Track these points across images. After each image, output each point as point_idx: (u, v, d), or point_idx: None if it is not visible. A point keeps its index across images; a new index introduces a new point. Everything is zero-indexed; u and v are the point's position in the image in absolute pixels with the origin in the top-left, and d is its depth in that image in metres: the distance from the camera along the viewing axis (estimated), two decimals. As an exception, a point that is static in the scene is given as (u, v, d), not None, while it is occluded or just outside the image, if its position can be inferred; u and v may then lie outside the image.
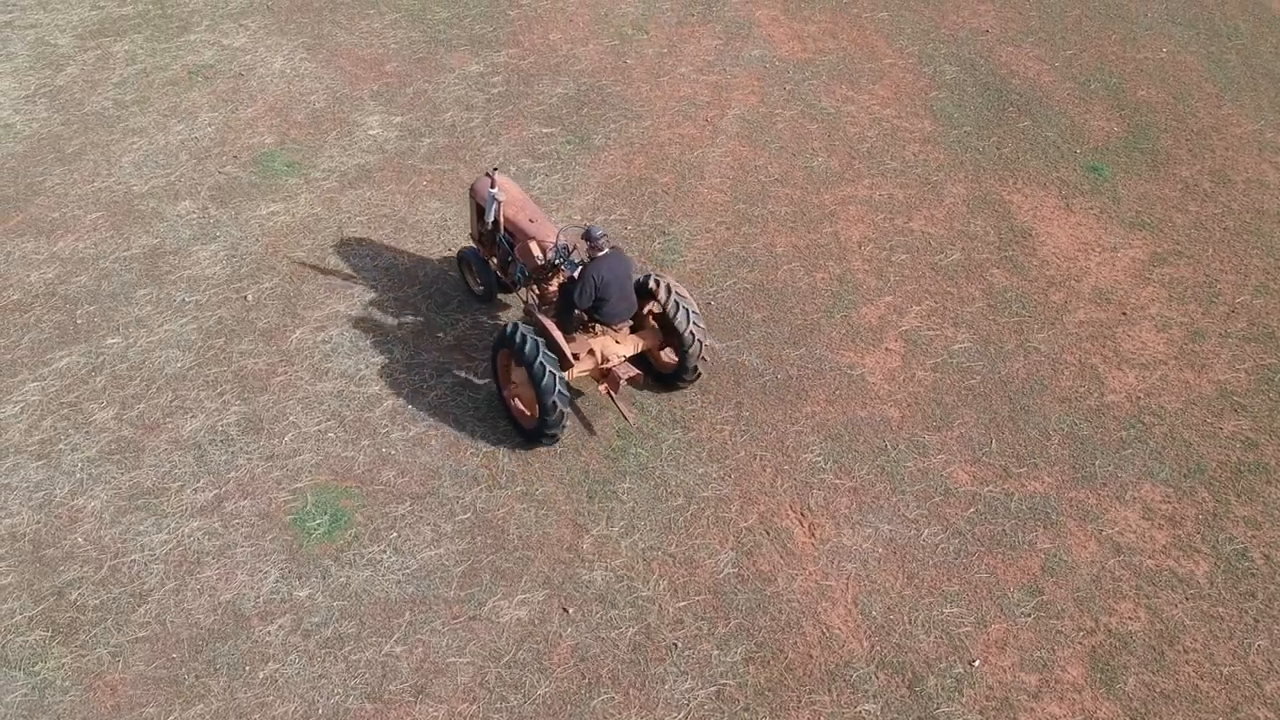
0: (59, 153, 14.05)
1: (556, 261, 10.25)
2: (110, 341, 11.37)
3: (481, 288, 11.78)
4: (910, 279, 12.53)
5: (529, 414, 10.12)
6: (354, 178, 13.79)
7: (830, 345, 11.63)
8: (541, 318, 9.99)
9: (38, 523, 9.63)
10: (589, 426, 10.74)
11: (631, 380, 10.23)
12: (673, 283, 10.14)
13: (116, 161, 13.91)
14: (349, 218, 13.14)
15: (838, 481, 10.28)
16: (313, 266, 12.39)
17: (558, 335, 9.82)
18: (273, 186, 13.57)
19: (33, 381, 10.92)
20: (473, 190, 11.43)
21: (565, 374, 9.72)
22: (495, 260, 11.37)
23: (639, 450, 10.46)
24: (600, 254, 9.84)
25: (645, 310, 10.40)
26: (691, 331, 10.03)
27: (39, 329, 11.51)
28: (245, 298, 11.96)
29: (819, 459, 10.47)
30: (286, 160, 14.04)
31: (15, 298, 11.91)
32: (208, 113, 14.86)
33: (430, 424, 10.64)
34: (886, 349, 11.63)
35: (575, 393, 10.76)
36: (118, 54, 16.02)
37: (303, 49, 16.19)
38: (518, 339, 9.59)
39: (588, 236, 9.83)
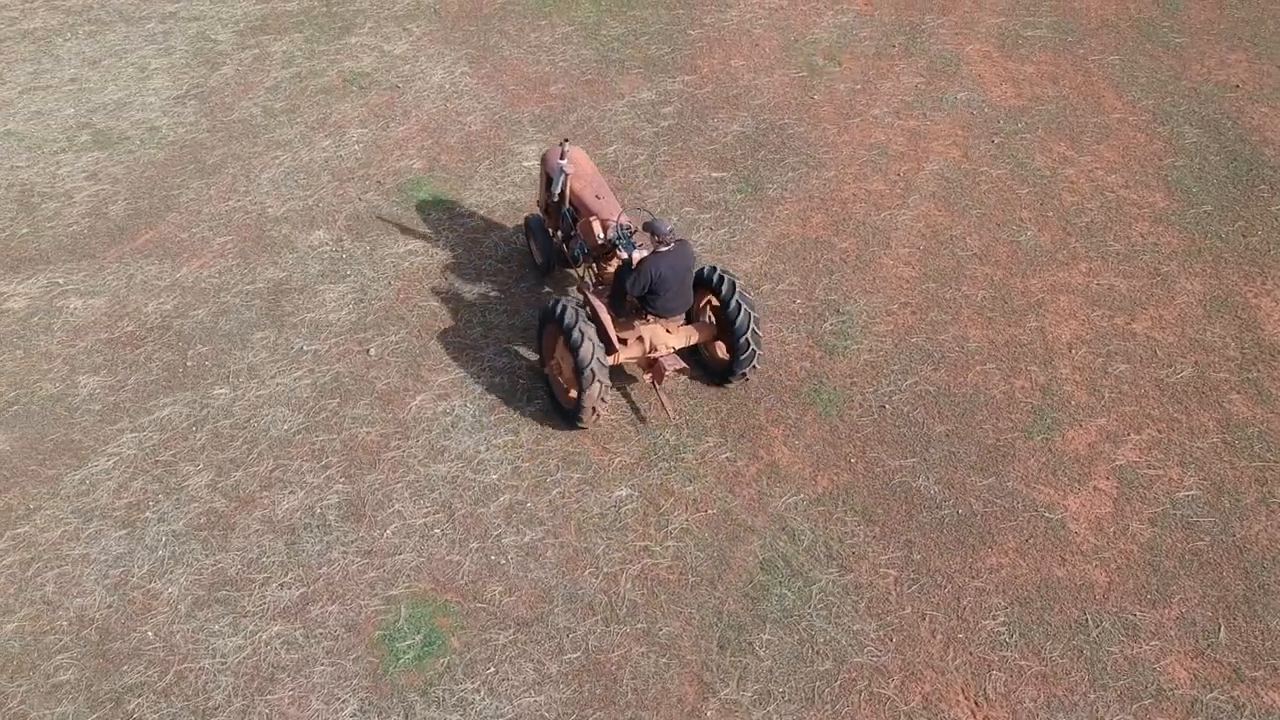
0: (199, 163, 13.21)
1: (616, 242, 10.01)
2: (218, 392, 10.37)
3: (542, 259, 11.44)
4: (1129, 397, 10.51)
5: (569, 392, 9.82)
6: (500, 216, 12.52)
7: (1026, 476, 9.76)
8: (592, 297, 9.88)
9: (109, 606, 8.66)
10: (640, 416, 10.21)
11: (679, 372, 9.90)
12: (738, 281, 9.85)
13: (256, 178, 12.98)
14: (489, 264, 11.86)
15: (1024, 662, 8.46)
16: (443, 322, 11.15)
17: (605, 317, 9.70)
18: (414, 220, 12.42)
19: (131, 432, 10.00)
20: (544, 159, 11.24)
21: (610, 358, 9.59)
22: (560, 234, 11.12)
23: (784, 591, 8.85)
24: (665, 248, 9.49)
25: (703, 303, 10.24)
26: (748, 339, 9.77)
27: (147, 369, 10.60)
28: (368, 352, 10.81)
29: (1002, 628, 8.66)
30: (433, 190, 12.86)
31: (129, 329, 11.05)
32: (357, 128, 13.82)
33: (548, 529, 9.27)
34: (1095, 488, 9.68)
35: (626, 379, 10.38)
36: (275, 54, 15.15)
37: (465, 61, 15.02)
38: (560, 312, 9.45)
39: (652, 229, 9.47)
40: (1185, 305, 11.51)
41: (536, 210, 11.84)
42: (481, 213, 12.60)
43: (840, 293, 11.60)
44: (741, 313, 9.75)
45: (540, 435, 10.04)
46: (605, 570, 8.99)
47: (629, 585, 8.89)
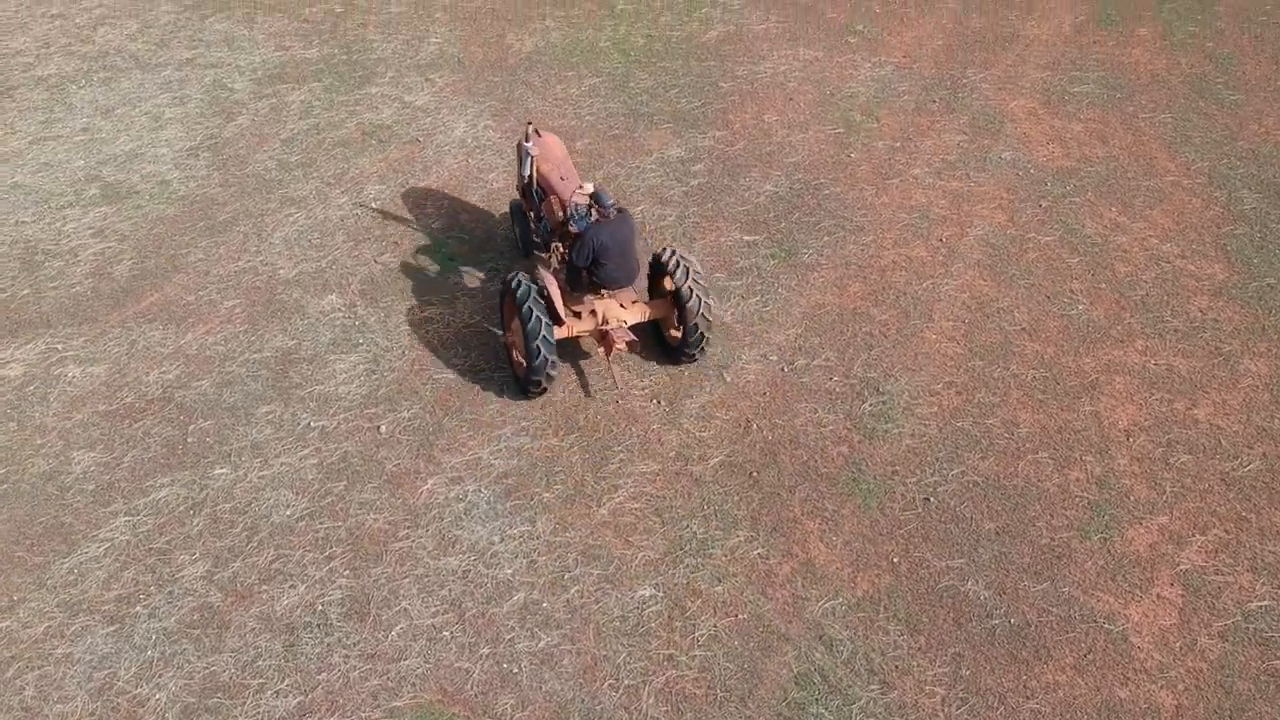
0: (210, 220, 12.68)
1: (573, 219, 10.32)
2: (219, 472, 9.75)
3: (522, 243, 11.92)
4: (1193, 492, 9.75)
5: (522, 362, 10.24)
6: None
7: (1084, 582, 9.00)
8: (543, 271, 10.23)
9: (92, 715, 8.02)
10: (586, 389, 10.59)
11: (629, 346, 10.19)
12: (692, 264, 10.24)
13: (268, 237, 12.43)
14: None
15: (1085, 799, 7.68)
16: (459, 396, 10.52)
17: (554, 290, 10.04)
18: (431, 284, 11.82)
19: (125, 515, 9.39)
20: (519, 144, 11.43)
21: (561, 330, 10.11)
22: (534, 215, 11.45)
23: (822, 710, 8.12)
24: (606, 219, 9.95)
25: (662, 284, 10.57)
26: (697, 322, 10.17)
27: (145, 445, 10.01)
28: (378, 429, 10.18)
29: (1061, 759, 7.89)
30: (451, 252, 12.28)
31: (129, 400, 10.47)
32: (375, 184, 13.27)
33: (565, 634, 8.57)
34: (1159, 596, 8.91)
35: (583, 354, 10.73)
36: (292, 104, 14.65)
37: (489, 114, 14.47)
38: (513, 284, 9.92)
39: (595, 200, 10.03)
40: (1250, 389, 10.75)
41: (518, 196, 12.19)
42: (500, 279, 11.97)
43: (880, 370, 10.90)
44: (693, 296, 10.06)
45: (558, 525, 9.37)
46: (626, 682, 8.29)
47: (651, 700, 8.18)
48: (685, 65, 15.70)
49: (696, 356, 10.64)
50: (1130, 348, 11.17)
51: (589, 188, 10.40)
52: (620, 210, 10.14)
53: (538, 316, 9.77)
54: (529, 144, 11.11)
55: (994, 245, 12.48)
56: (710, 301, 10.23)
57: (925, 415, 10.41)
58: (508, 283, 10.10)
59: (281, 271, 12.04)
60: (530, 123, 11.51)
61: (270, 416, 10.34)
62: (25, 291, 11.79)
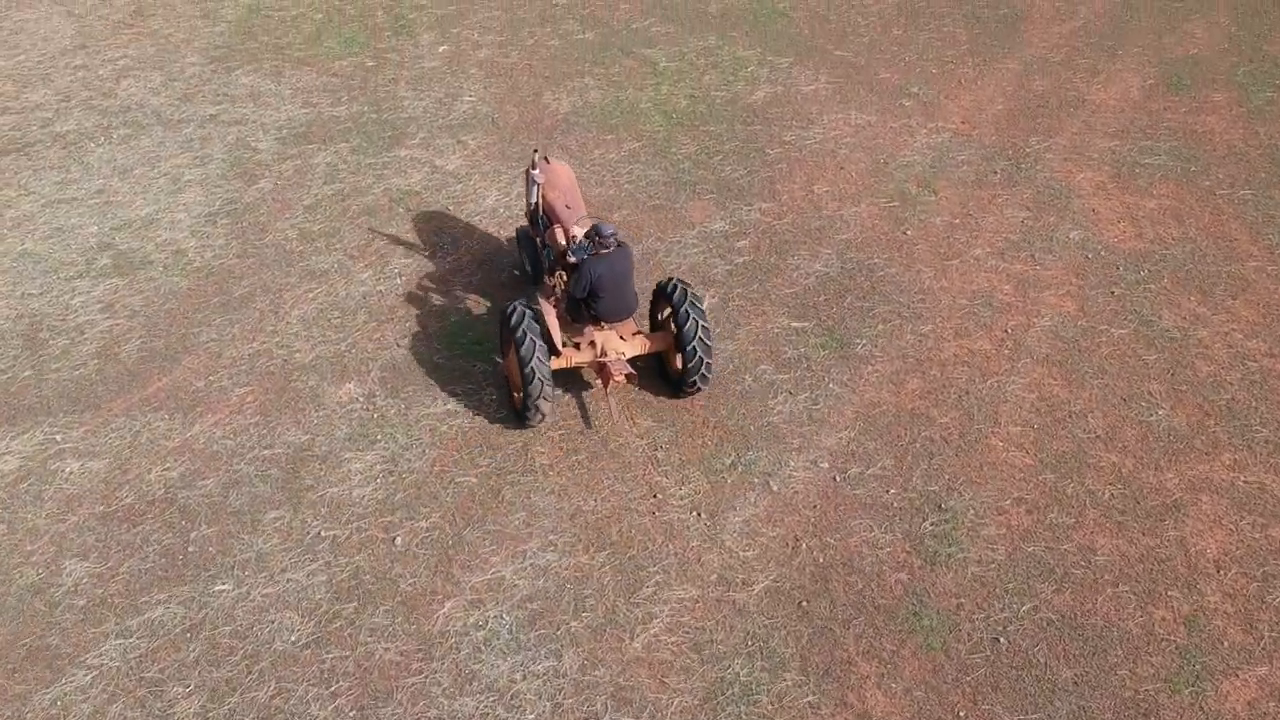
0: (225, 295, 11.95)
1: (572, 249, 10.27)
2: (220, 588, 8.96)
3: (530, 269, 11.81)
4: (1295, 638, 8.72)
5: (517, 392, 10.17)
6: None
7: (1175, 746, 8.00)
8: (543, 301, 10.28)
9: None
10: (586, 420, 10.52)
11: (628, 379, 10.02)
12: (690, 290, 10.14)
13: (285, 315, 11.68)
14: (538, 431, 10.38)
15: None
16: (482, 504, 9.69)
17: (551, 320, 10.06)
18: (456, 372, 11.02)
19: (117, 638, 8.61)
20: (527, 170, 11.25)
21: (558, 360, 10.09)
22: (539, 242, 11.37)
23: None
24: (604, 251, 9.93)
25: (665, 315, 10.52)
26: (695, 346, 10.03)
27: (143, 554, 9.24)
28: (394, 541, 9.36)
29: None
30: (479, 336, 11.47)
31: (128, 501, 9.71)
32: (400, 258, 12.51)
33: (594, 795, 7.65)
34: (1262, 767, 7.89)
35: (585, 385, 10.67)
36: (317, 167, 13.94)
37: (523, 181, 13.67)
38: (510, 314, 9.88)
39: (594, 233, 9.97)
40: (1354, 514, 9.72)
41: (525, 223, 12.08)
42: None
43: (942, 482, 9.95)
44: (690, 320, 9.96)
45: (587, 661, 8.48)
46: None
47: None
48: (730, 129, 14.88)
49: (700, 386, 10.38)
50: (1216, 461, 10.17)
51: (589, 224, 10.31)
52: (619, 243, 10.07)
53: (535, 347, 9.68)
54: (536, 171, 11.01)
55: (1064, 338, 11.53)
56: (708, 326, 10.12)
57: (993, 537, 9.45)
58: (506, 313, 9.99)
59: (298, 355, 11.28)
60: (537, 150, 11.44)
61: (278, 524, 9.54)
62: (27, 373, 11.08)
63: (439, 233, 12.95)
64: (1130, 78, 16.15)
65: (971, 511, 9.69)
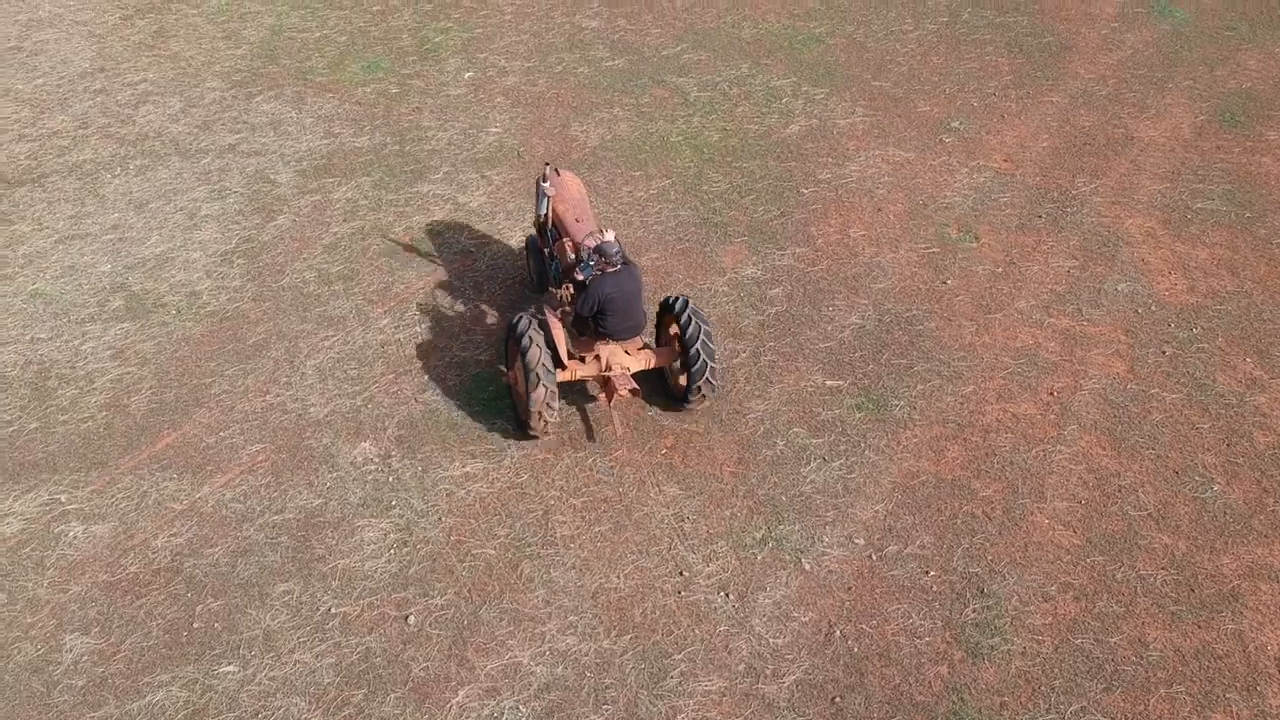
0: (239, 342, 11.55)
1: (579, 264, 10.36)
2: (225, 670, 8.56)
3: (535, 278, 11.93)
4: (1364, 750, 8.15)
5: (523, 403, 10.17)
6: (578, 429, 10.60)
7: None
8: (549, 312, 10.34)
9: None
10: (590, 433, 10.62)
11: (632, 393, 10.10)
12: (702, 321, 10.18)
13: (300, 365, 11.27)
14: (560, 498, 9.92)
15: None
16: (500, 578, 9.25)
17: (557, 331, 10.06)
18: (475, 431, 10.58)
19: (115, 724, 8.18)
20: (537, 181, 11.39)
21: (563, 373, 10.10)
22: (548, 253, 11.43)
23: None
24: (611, 270, 10.00)
25: (670, 330, 10.54)
26: (698, 349, 10.11)
27: (146, 629, 8.84)
28: (407, 619, 8.93)
29: None
30: (500, 390, 11.03)
31: (133, 570, 9.33)
32: (420, 304, 12.11)
33: None
34: None
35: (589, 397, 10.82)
36: (337, 202, 13.53)
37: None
38: (516, 326, 9.97)
39: (600, 251, 10.06)
40: None
41: (534, 232, 12.01)
42: (554, 422, 10.66)
43: (984, 563, 9.43)
44: (692, 325, 10.07)
45: (608, 760, 8.01)
46: None
47: None
48: (763, 165, 14.36)
49: (706, 394, 10.40)
50: (1276, 545, 9.60)
51: (611, 235, 10.34)
52: (626, 262, 10.14)
53: (540, 358, 9.75)
54: (546, 184, 11.07)
55: (1113, 402, 10.96)
56: (711, 330, 10.23)
57: (1038, 627, 8.92)
58: (512, 324, 10.07)
59: (312, 410, 10.86)
60: (549, 163, 11.60)
61: (287, 598, 9.12)
62: (34, 425, 10.72)
63: (460, 276, 12.50)
64: (1181, 113, 15.51)
65: (1016, 597, 9.16)
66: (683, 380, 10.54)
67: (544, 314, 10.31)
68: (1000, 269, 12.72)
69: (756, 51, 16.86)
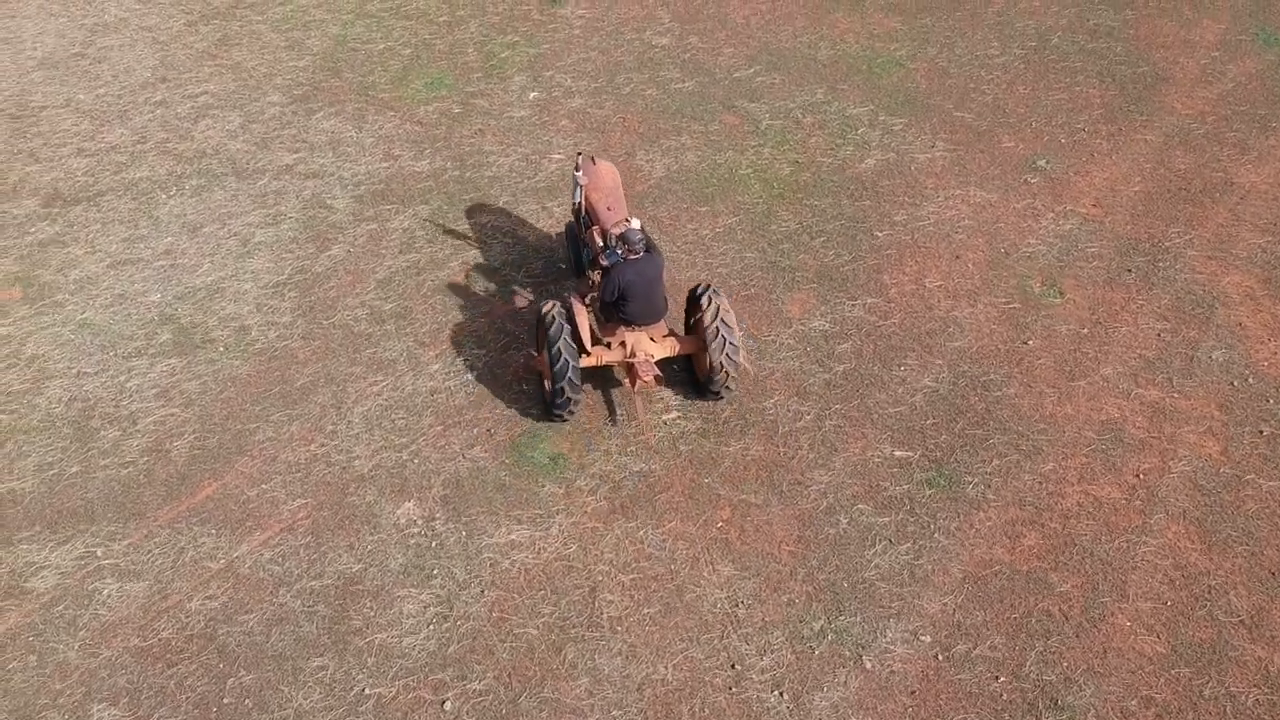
0: (285, 385, 11.20)
1: (604, 254, 10.53)
2: (252, 754, 8.16)
3: (573, 264, 12.21)
4: None
5: (547, 384, 10.59)
6: (629, 496, 10.12)
7: None
8: (576, 298, 10.57)
9: None
10: (612, 415, 10.96)
11: (656, 380, 10.31)
12: (723, 304, 10.43)
13: (347, 412, 10.90)
14: (608, 573, 9.44)
15: None
16: (541, 663, 8.81)
17: (582, 320, 10.33)
18: (524, 494, 10.13)
19: (138, 809, 7.86)
20: (573, 170, 11.70)
21: (588, 358, 10.39)
22: (583, 240, 11.68)
23: None
24: (633, 256, 10.25)
25: (696, 319, 10.67)
26: (722, 361, 10.35)
27: (176, 702, 8.54)
28: (443, 705, 8.51)
29: None
30: (551, 451, 10.57)
31: (165, 635, 9.03)
32: (473, 347, 11.65)
33: None
34: None
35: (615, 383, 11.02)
36: (394, 232, 13.13)
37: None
38: (544, 314, 10.31)
39: (623, 239, 10.30)
40: None
41: (573, 219, 12.18)
42: (606, 488, 10.22)
43: (1060, 669, 8.78)
44: (717, 319, 10.27)
45: None
46: None
47: None
48: (835, 204, 13.69)
49: (728, 386, 10.66)
50: (1384, 664, 8.82)
51: (635, 223, 10.46)
52: (648, 249, 10.36)
53: (565, 343, 10.06)
54: (579, 172, 11.32)
55: (1204, 488, 10.21)
56: (733, 324, 10.42)
57: (1117, 749, 8.25)
58: (540, 310, 10.39)
59: (357, 463, 10.47)
60: (581, 152, 11.87)
61: (321, 675, 8.75)
62: (74, 469, 10.46)
63: (515, 319, 12.05)
64: (1285, 156, 14.56)
65: (1093, 712, 8.52)
66: (706, 366, 10.62)
67: (571, 300, 10.50)
68: (1086, 329, 11.97)
69: (833, 75, 16.14)
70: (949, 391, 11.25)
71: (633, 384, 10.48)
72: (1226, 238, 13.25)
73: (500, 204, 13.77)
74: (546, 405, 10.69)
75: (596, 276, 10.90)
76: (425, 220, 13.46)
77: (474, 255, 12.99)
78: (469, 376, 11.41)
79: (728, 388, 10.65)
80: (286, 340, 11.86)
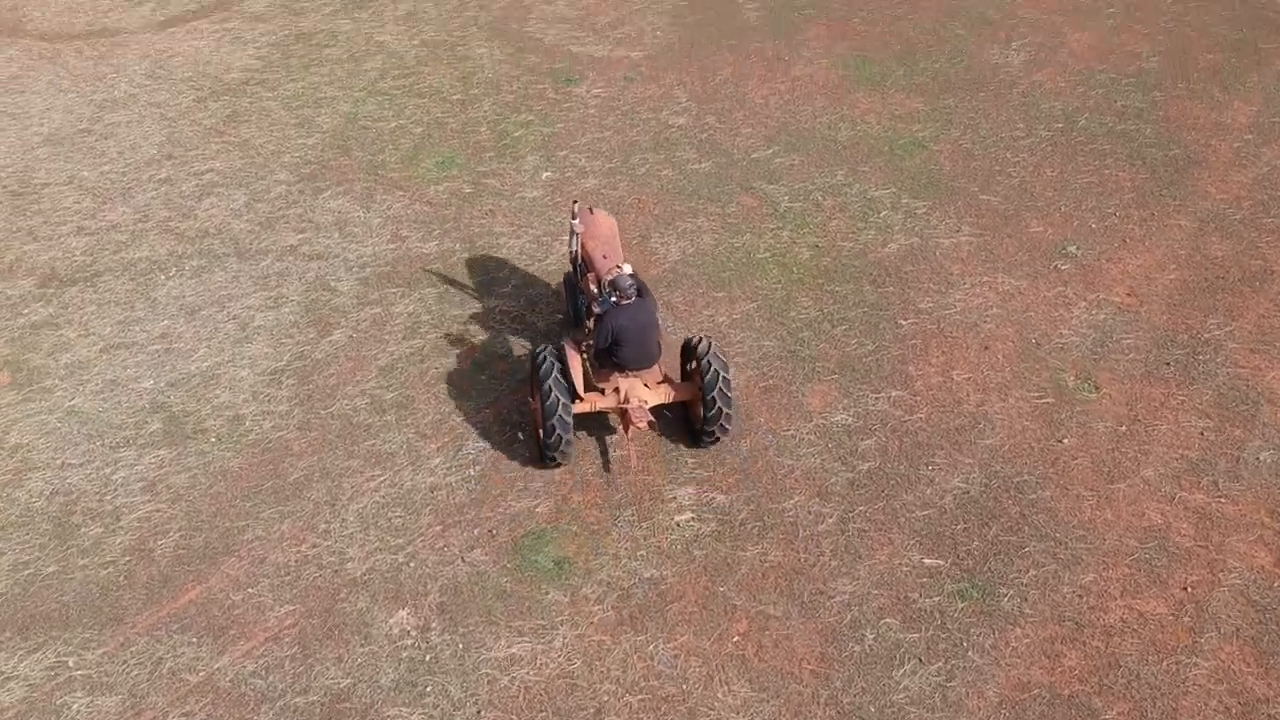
0: (278, 479, 10.62)
1: (597, 301, 10.64)
2: None
3: (572, 313, 12.17)
4: None
5: (540, 430, 10.42)
6: (639, 606, 9.46)
7: None
8: (569, 344, 10.58)
9: None
10: (606, 465, 10.81)
11: (650, 426, 10.28)
12: (714, 346, 10.48)
13: (342, 510, 10.29)
14: (615, 693, 8.74)
15: None
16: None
17: (575, 364, 10.35)
18: (526, 601, 9.48)
19: None
20: (569, 218, 11.89)
21: (580, 404, 10.35)
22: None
23: None
24: (625, 301, 10.28)
25: (692, 366, 10.71)
26: (714, 397, 10.29)
27: (142, 836, 7.76)
28: (431, 842, 7.73)
29: None
30: (556, 554, 9.94)
31: (136, 756, 8.28)
32: (475, 442, 11.08)
33: None
34: None
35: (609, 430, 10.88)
36: (398, 317, 12.62)
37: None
38: (538, 360, 10.29)
39: (614, 284, 10.39)
40: None
41: (571, 268, 12.22)
42: (614, 597, 9.56)
43: (1107, 810, 7.98)
44: (711, 371, 10.24)
45: None
46: None
47: None
48: (857, 290, 13.14)
49: (719, 437, 10.68)
50: None
51: (627, 269, 10.59)
52: (640, 293, 10.44)
53: (556, 396, 10.03)
54: (575, 221, 11.43)
55: (1258, 604, 9.48)
56: (728, 377, 10.36)
57: None
58: (535, 357, 10.37)
59: (350, 565, 9.85)
60: (577, 200, 12.04)
61: (301, 807, 8.00)
62: (51, 568, 9.88)
63: (522, 410, 11.46)
64: (1326, 243, 13.97)
65: None
66: (700, 414, 10.66)
67: (564, 346, 10.50)
68: (1124, 427, 11.30)
69: (854, 156, 15.69)
70: (980, 494, 10.58)
71: (626, 429, 10.43)
72: (1269, 329, 12.63)
73: (509, 288, 13.28)
74: (540, 450, 10.54)
75: (592, 324, 10.86)
76: (431, 304, 12.94)
77: (481, 341, 12.46)
78: (471, 472, 10.81)
79: (724, 428, 10.55)
80: (282, 431, 11.30)
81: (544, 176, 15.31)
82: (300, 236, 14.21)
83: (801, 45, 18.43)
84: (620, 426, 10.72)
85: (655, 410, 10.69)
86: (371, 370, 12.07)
